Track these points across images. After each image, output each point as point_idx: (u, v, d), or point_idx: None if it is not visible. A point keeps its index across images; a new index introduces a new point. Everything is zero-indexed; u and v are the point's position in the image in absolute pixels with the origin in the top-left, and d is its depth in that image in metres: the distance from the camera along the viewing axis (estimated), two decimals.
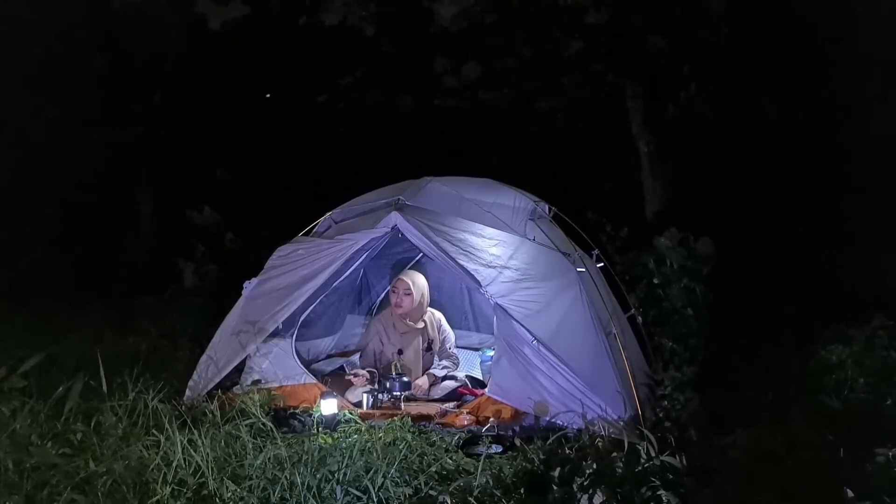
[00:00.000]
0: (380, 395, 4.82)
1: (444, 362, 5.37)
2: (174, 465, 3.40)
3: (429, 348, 5.41)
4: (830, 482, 2.96)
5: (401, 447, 3.70)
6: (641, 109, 9.41)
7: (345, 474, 3.38)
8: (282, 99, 11.69)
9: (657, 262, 6.63)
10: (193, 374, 4.70)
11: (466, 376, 5.35)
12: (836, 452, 3.33)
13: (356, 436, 3.85)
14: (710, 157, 9.05)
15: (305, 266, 4.77)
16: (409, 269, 5.63)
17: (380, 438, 3.81)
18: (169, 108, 10.50)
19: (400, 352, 5.28)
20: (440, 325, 5.52)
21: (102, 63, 9.97)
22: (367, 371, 5.11)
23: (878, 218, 7.32)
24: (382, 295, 6.16)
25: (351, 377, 5.10)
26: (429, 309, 5.48)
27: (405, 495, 3.31)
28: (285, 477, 3.32)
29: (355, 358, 5.77)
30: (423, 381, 5.14)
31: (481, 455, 3.69)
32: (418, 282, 5.34)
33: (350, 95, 11.82)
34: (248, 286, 4.91)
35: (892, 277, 6.46)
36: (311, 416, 4.35)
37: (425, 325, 5.42)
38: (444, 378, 5.22)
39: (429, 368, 5.32)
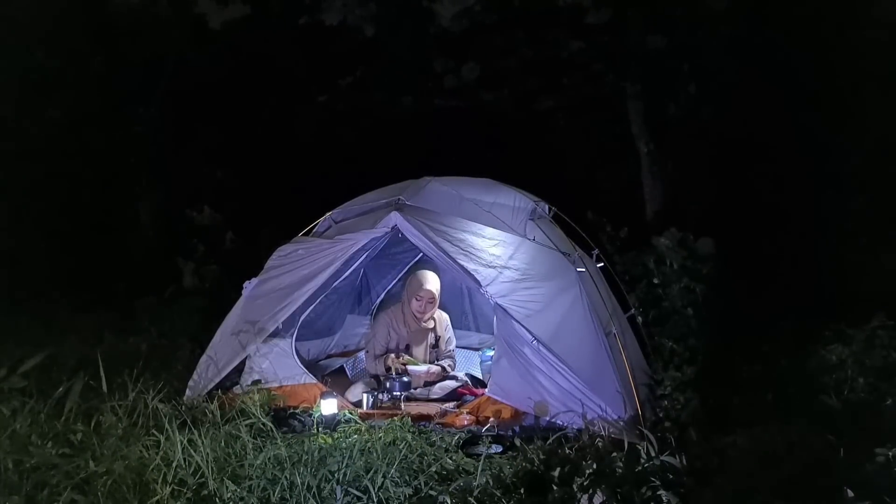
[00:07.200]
0: (380, 395, 4.82)
1: (445, 362, 5.39)
2: (174, 465, 3.40)
3: (436, 345, 5.46)
4: (830, 482, 2.96)
5: (401, 447, 3.71)
6: (641, 109, 9.40)
7: (345, 474, 3.38)
8: (282, 99, 11.67)
9: (657, 262, 6.61)
10: (193, 374, 4.71)
11: (466, 374, 5.36)
12: (836, 452, 3.32)
13: (356, 436, 3.86)
14: (710, 157, 9.04)
15: (305, 266, 4.77)
16: (423, 269, 5.50)
17: (380, 438, 3.82)
18: (169, 109, 10.49)
19: (407, 347, 5.30)
20: (447, 325, 5.55)
21: (102, 63, 9.97)
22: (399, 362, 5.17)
23: (878, 218, 7.31)
24: (383, 294, 6.17)
25: (391, 364, 5.15)
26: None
27: (405, 495, 3.32)
28: (285, 477, 3.32)
29: (357, 357, 5.79)
30: (435, 368, 5.19)
31: (481, 455, 3.69)
32: (438, 286, 5.34)
33: (350, 95, 11.79)
34: (248, 286, 4.92)
35: (892, 277, 6.45)
36: (311, 416, 4.35)
37: (434, 324, 5.45)
38: (445, 378, 5.23)
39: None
